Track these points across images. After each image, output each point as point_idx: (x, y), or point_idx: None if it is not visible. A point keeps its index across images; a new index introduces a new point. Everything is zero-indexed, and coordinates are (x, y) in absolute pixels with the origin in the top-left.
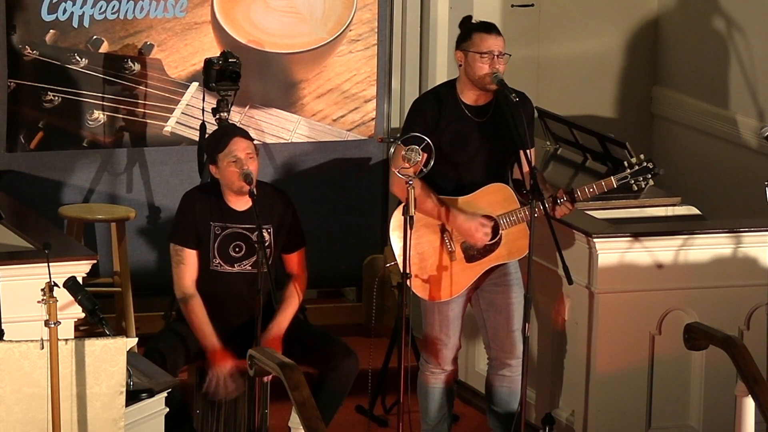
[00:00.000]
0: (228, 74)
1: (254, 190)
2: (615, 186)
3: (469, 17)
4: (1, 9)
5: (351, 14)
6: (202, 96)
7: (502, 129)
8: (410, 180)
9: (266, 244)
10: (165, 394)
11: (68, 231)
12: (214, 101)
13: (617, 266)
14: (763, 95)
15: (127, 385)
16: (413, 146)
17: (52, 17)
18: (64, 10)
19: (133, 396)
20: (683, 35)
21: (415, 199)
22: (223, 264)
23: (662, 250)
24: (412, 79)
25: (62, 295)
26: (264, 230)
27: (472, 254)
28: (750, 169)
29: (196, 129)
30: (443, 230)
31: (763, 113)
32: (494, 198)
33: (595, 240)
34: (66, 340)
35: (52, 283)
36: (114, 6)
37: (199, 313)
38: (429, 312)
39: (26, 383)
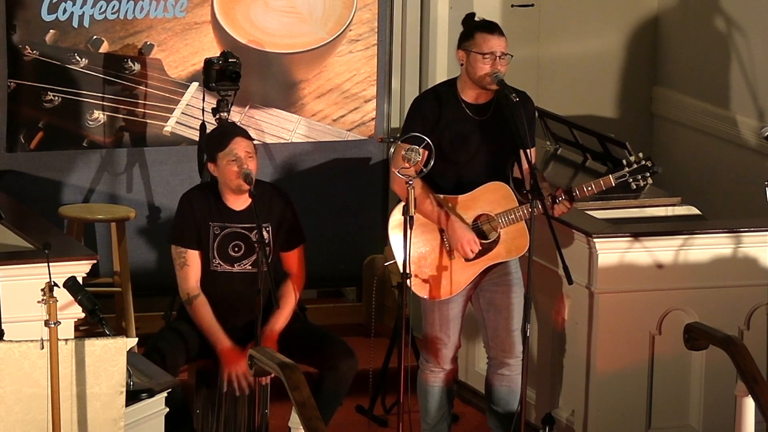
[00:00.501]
0: (228, 74)
1: (253, 190)
2: (613, 184)
3: (473, 15)
4: (1, 9)
5: (351, 14)
6: (202, 96)
7: (503, 128)
8: (410, 180)
9: (266, 243)
10: (165, 394)
11: (68, 231)
12: (214, 101)
13: (617, 266)
14: (763, 95)
15: (127, 385)
16: (413, 146)
17: (52, 17)
18: (64, 10)
19: (133, 396)
20: (683, 35)
21: (415, 199)
22: (222, 264)
23: (662, 250)
24: (412, 79)
25: (62, 295)
26: (263, 229)
27: None
28: (750, 169)
29: (196, 129)
30: (442, 229)
31: (763, 113)
32: (493, 196)
33: (595, 240)
34: (66, 340)
35: (52, 283)
36: (114, 6)
37: (206, 314)
38: (429, 311)
39: (26, 383)
